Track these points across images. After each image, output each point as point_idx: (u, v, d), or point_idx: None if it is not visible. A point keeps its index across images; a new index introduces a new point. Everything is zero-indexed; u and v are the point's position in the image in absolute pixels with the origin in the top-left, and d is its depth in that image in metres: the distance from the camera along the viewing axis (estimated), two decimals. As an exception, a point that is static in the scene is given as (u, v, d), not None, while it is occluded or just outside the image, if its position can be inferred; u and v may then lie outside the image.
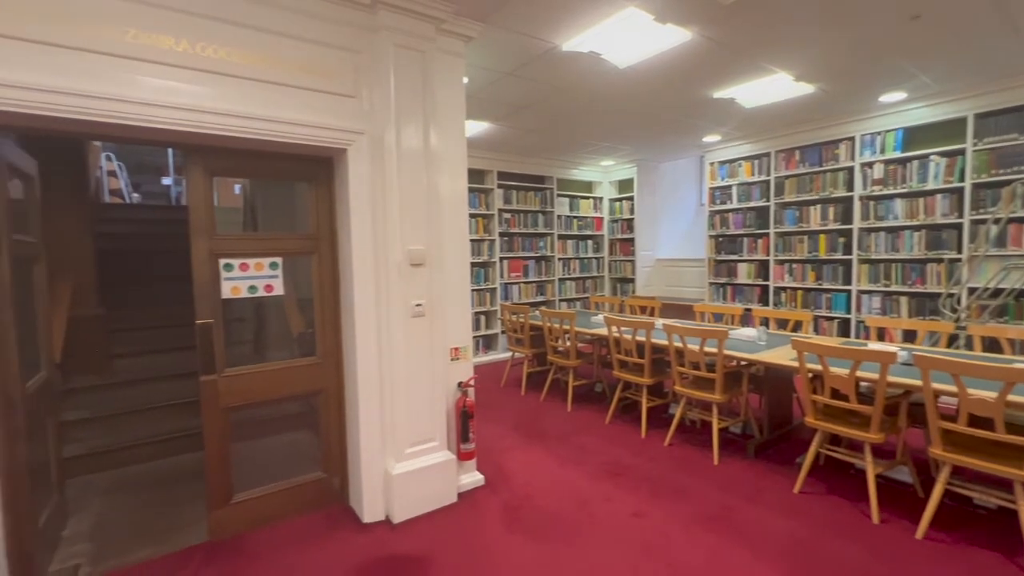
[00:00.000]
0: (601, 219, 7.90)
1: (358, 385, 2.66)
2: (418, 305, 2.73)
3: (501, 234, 6.65)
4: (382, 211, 2.64)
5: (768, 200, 5.80)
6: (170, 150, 9.96)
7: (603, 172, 7.86)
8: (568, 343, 4.47)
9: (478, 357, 6.44)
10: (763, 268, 5.94)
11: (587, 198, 7.71)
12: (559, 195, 7.30)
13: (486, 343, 6.63)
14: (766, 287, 5.90)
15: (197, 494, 2.99)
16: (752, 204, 5.97)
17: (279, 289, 2.69)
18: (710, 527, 2.54)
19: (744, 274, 6.13)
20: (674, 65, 3.59)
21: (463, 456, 2.92)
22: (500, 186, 6.60)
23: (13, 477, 2.08)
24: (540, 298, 7.14)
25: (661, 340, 3.70)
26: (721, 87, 4.11)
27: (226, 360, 2.55)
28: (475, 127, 5.19)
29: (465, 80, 3.05)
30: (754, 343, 3.57)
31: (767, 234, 5.84)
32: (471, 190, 6.10)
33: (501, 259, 6.66)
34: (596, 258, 7.89)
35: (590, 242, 7.81)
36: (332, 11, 2.48)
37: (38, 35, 1.85)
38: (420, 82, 2.69)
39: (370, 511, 2.66)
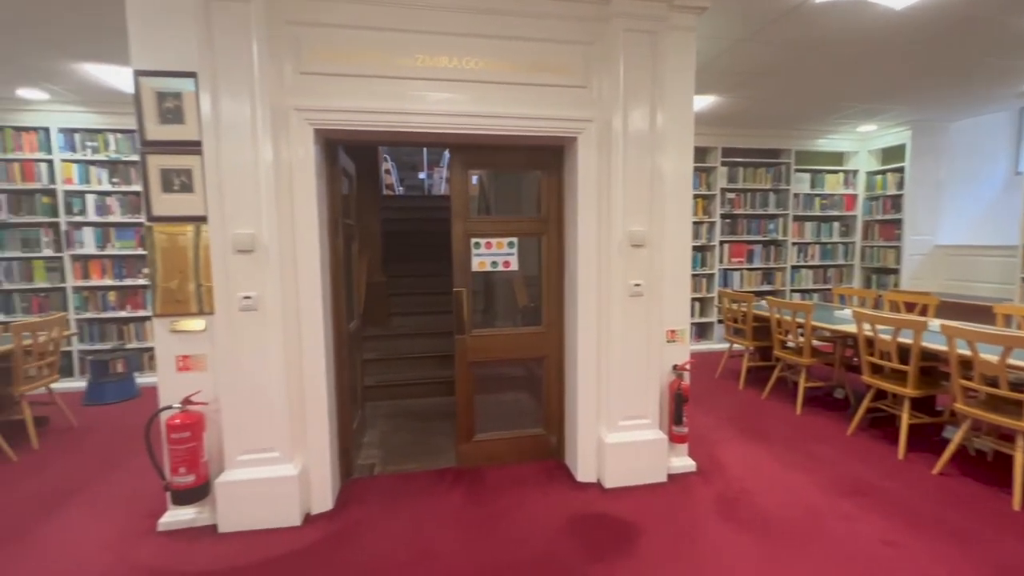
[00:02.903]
0: (853, 197, 6.60)
1: (577, 356, 2.89)
2: (637, 285, 2.80)
3: (723, 216, 6.17)
4: (607, 193, 2.77)
5: None
6: (424, 150, 12.03)
7: (859, 140, 6.53)
8: (802, 338, 3.96)
9: (691, 345, 6.17)
10: None
11: (835, 172, 6.53)
12: (798, 170, 6.37)
13: (699, 331, 6.30)
14: None
15: (445, 430, 3.69)
16: (1114, 169, 4.22)
17: (514, 265, 3.09)
18: (1000, 582, 2.02)
19: (1090, 267, 4.41)
20: (984, -8, 2.78)
21: (675, 439, 2.92)
22: (724, 163, 6.10)
23: (341, 392, 2.93)
24: (767, 287, 6.42)
25: (936, 344, 2.99)
26: (1067, 9, 3.01)
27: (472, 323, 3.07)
28: (699, 102, 4.90)
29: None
30: (1100, 361, 2.60)
31: None
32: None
33: (721, 243, 6.19)
34: (844, 243, 6.66)
35: (836, 224, 6.62)
36: (567, 9, 2.67)
37: (361, 71, 2.50)
38: (649, 63, 2.71)
39: (584, 471, 2.90)
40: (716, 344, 6.21)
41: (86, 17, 2.94)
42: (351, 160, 3.45)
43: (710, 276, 6.19)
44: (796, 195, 6.38)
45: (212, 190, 2.35)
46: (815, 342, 4.01)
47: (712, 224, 6.12)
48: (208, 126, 2.32)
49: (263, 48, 2.33)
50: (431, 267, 5.67)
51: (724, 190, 6.15)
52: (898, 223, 6.12)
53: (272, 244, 2.41)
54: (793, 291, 6.52)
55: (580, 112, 2.74)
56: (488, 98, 2.65)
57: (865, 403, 3.53)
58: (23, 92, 4.31)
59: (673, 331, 2.96)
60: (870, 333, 3.35)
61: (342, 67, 2.48)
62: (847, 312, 4.17)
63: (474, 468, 3.09)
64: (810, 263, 6.56)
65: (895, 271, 6.19)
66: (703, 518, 2.51)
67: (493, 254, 3.06)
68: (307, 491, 2.58)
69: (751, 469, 3.02)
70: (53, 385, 3.78)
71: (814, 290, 6.61)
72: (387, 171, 10.02)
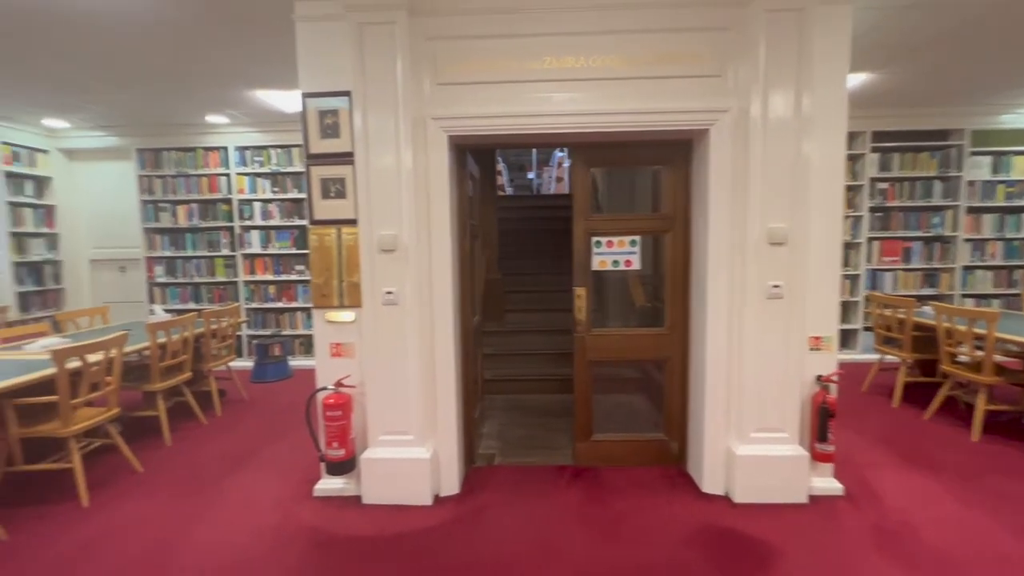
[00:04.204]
0: (1053, 182, 5.42)
1: (705, 360, 2.73)
2: (775, 286, 2.58)
3: (872, 209, 5.43)
4: (742, 188, 2.59)
5: None
6: (533, 150, 12.20)
7: (1065, 112, 5.33)
8: (980, 352, 3.35)
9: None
10: None
11: (1027, 153, 5.41)
12: (974, 153, 5.38)
13: (841, 339, 5.58)
14: None
15: (560, 427, 3.73)
16: None
17: (636, 264, 3.01)
18: None
19: None
20: None
21: (818, 457, 2.64)
22: (875, 149, 5.36)
23: (466, 383, 3.09)
24: (928, 290, 5.52)
25: None
26: None
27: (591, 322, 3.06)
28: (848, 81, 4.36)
29: (850, 28, 2.62)
30: None
31: None
32: (833, 158, 5.19)
33: (869, 239, 5.45)
34: (1037, 239, 5.50)
35: (1026, 216, 5.49)
36: (702, -5, 2.54)
37: (492, 78, 2.61)
38: (794, 45, 2.47)
39: (710, 482, 2.74)
40: (861, 354, 5.50)
41: (261, 48, 3.43)
42: (475, 163, 3.62)
43: (854, 277, 5.49)
44: (971, 183, 5.40)
45: (362, 196, 2.61)
46: (999, 357, 3.36)
47: (858, 219, 5.42)
48: (359, 138, 2.58)
49: (406, 64, 2.53)
50: (542, 265, 5.75)
51: (874, 179, 5.40)
52: (1121, 213, 4.90)
53: (411, 244, 2.62)
54: (964, 296, 5.54)
55: (713, 102, 2.58)
56: (615, 94, 2.61)
57: (1074, 435, 2.88)
58: (210, 118, 5.17)
59: (817, 338, 2.68)
60: (1084, 349, 2.73)
61: (474, 76, 2.61)
62: (1047, 323, 3.44)
63: (591, 468, 3.08)
64: (988, 263, 5.51)
65: (1115, 273, 4.97)
66: (854, 548, 2.24)
67: (614, 253, 3.01)
68: (437, 474, 2.76)
69: (914, 500, 2.63)
70: (230, 364, 4.49)
71: (994, 295, 5.55)
72: (498, 172, 10.34)
